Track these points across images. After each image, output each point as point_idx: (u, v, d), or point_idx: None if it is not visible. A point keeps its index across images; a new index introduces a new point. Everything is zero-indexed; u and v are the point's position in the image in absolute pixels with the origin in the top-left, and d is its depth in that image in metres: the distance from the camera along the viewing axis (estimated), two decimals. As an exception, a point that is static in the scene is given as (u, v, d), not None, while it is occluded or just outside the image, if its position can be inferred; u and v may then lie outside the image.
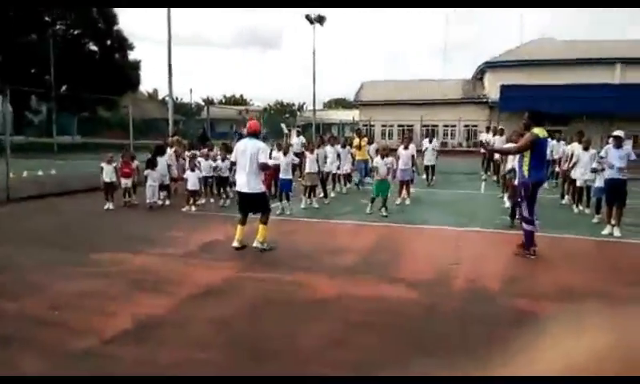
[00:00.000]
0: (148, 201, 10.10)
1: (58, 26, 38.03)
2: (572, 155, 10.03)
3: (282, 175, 9.55)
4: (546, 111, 6.95)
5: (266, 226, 6.80)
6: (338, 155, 12.15)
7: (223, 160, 10.64)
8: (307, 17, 29.71)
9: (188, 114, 44.42)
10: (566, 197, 10.89)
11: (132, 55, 40.53)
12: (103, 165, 10.24)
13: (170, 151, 11.30)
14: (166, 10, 16.84)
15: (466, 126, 38.17)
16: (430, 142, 14.85)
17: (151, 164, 10.13)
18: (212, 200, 10.63)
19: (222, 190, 10.78)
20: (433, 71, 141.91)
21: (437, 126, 34.12)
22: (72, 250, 6.76)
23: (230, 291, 5.16)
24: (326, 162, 11.61)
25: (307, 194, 10.42)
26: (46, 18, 36.59)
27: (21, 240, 7.48)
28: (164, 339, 3.94)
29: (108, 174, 10.14)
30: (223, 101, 67.53)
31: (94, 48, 39.66)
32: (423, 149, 14.77)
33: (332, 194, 12.08)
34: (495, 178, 14.47)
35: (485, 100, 37.80)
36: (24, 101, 34.44)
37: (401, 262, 6.37)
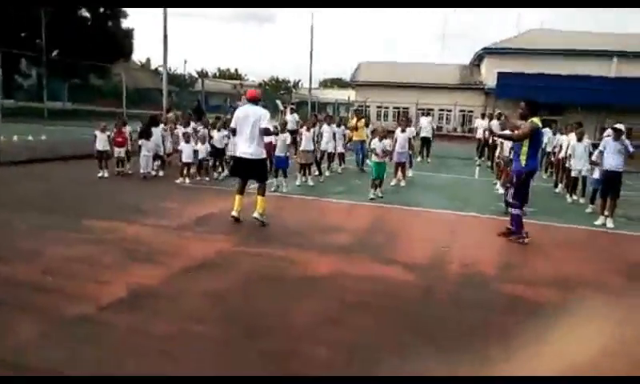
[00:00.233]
0: (142, 171, 10.00)
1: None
2: (568, 146, 10.06)
3: (277, 152, 9.46)
4: (542, 101, 6.97)
5: (264, 197, 6.77)
6: (334, 135, 12.06)
7: (219, 130, 10.49)
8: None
9: (181, 86, 43.75)
10: (560, 186, 10.95)
11: (125, 23, 39.75)
12: (97, 133, 10.08)
13: (166, 126, 11.14)
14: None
15: (461, 111, 38.15)
16: (426, 116, 15.01)
17: (145, 134, 9.99)
18: (207, 178, 10.47)
19: (217, 163, 10.67)
20: (430, 57, 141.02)
21: (432, 109, 33.99)
22: (65, 217, 6.67)
23: (224, 265, 5.13)
24: (320, 141, 11.54)
25: (302, 172, 10.37)
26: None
27: (12, 205, 7.36)
28: (158, 310, 3.90)
29: (101, 142, 9.99)
30: (217, 74, 66.67)
31: (86, 14, 38.80)
32: (419, 127, 14.82)
33: (327, 173, 12.04)
34: (489, 163, 14.51)
35: (481, 86, 37.73)
36: (14, 64, 33.67)
37: (396, 243, 6.38)
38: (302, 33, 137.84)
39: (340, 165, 13.01)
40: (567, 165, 10.05)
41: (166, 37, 15.86)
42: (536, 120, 6.49)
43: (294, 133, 12.15)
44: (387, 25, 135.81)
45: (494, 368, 3.22)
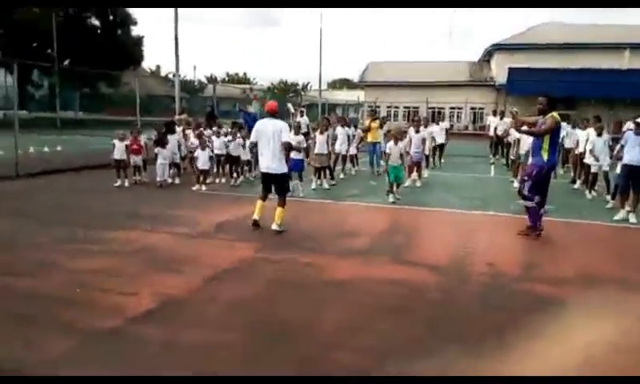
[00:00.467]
0: (158, 179, 10.05)
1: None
2: (586, 140, 9.93)
3: (292, 155, 9.41)
4: (554, 95, 6.93)
5: (284, 208, 6.76)
6: (348, 137, 12.04)
7: (234, 138, 10.53)
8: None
9: (191, 92, 44.06)
10: (578, 182, 10.81)
11: (135, 31, 40.10)
12: (115, 141, 10.15)
13: (179, 130, 11.19)
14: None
15: (472, 108, 37.92)
16: (438, 124, 14.88)
17: (161, 142, 10.05)
18: (223, 180, 10.52)
19: (233, 169, 10.70)
20: (437, 55, 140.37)
21: (443, 108, 33.86)
22: (86, 228, 6.72)
23: (247, 272, 5.13)
24: (334, 144, 11.49)
25: (317, 175, 10.35)
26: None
27: (33, 217, 7.44)
28: (186, 320, 3.91)
29: (119, 151, 10.06)
30: (226, 79, 66.93)
31: (96, 23, 39.21)
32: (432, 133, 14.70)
33: (341, 176, 12.01)
34: (504, 161, 14.40)
35: (492, 83, 37.46)
36: (26, 75, 34.15)
37: (416, 245, 6.34)
38: (308, 35, 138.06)
39: (353, 166, 12.98)
40: (586, 160, 9.91)
41: (177, 43, 15.96)
42: (556, 115, 6.48)
43: (305, 136, 12.14)
44: (392, 24, 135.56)
45: (522, 367, 3.19)
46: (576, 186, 10.84)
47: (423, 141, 11.51)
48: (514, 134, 10.44)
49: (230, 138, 10.61)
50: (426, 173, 12.14)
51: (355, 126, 13.49)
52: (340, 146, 11.72)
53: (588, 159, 9.85)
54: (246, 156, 10.56)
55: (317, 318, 4.02)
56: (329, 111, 32.89)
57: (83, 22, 38.00)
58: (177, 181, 10.66)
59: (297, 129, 10.09)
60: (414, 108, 35.83)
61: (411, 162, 10.89)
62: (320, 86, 32.59)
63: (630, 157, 7.67)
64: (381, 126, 12.75)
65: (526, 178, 6.70)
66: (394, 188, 9.12)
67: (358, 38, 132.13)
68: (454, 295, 4.62)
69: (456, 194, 10.15)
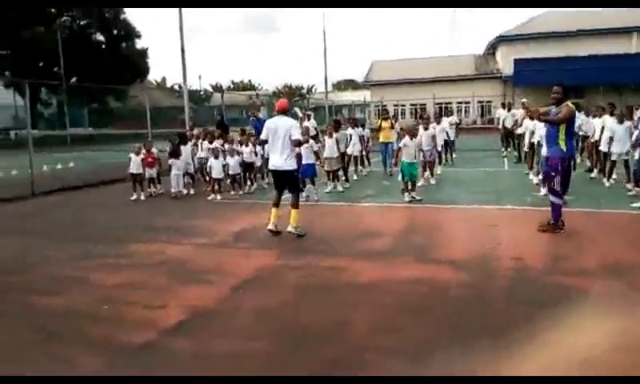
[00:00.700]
0: (173, 190, 10.09)
1: (64, 18, 37.93)
2: (602, 128, 9.80)
3: (304, 160, 9.37)
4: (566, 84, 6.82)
5: (298, 209, 6.75)
6: (360, 138, 12.01)
7: (247, 145, 10.54)
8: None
9: (198, 102, 44.31)
10: (595, 170, 10.68)
11: (139, 44, 40.42)
12: (131, 155, 10.22)
13: (192, 142, 11.24)
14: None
15: (479, 101, 37.71)
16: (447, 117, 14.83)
17: (175, 153, 10.09)
18: (240, 192, 10.50)
19: (247, 176, 10.71)
20: (440, 48, 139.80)
21: (450, 103, 33.69)
22: (105, 242, 6.75)
23: (270, 280, 5.11)
24: (347, 145, 11.44)
25: (331, 179, 10.31)
26: (52, 10, 36.47)
27: (53, 234, 7.50)
28: (216, 331, 3.90)
29: (135, 164, 10.12)
30: (232, 86, 67.26)
31: (100, 38, 39.61)
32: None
33: (354, 177, 11.97)
34: (516, 153, 14.28)
35: (498, 75, 37.25)
36: (35, 94, 34.57)
37: (436, 243, 6.28)
38: (309, 39, 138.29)
39: (364, 167, 12.93)
40: (602, 148, 9.78)
41: (183, 55, 16.04)
42: (570, 104, 6.40)
43: (314, 138, 12.10)
44: (393, 21, 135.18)
45: (559, 363, 3.14)
46: (593, 175, 10.71)
47: (433, 137, 11.41)
48: (528, 125, 10.35)
49: (240, 158, 10.50)
50: (439, 170, 12.06)
51: (363, 126, 13.42)
52: (353, 147, 11.69)
53: (604, 147, 9.73)
54: (259, 162, 10.56)
55: (344, 321, 3.98)
56: (335, 113, 32.89)
57: (88, 37, 38.40)
58: (191, 191, 10.70)
59: (306, 133, 10.06)
60: (420, 105, 35.75)
61: (424, 159, 10.80)
62: (326, 88, 32.61)
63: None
64: (392, 126, 12.69)
65: (553, 173, 6.45)
66: (409, 186, 9.01)
67: (359, 38, 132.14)
68: (482, 292, 4.56)
69: (471, 189, 10.07)
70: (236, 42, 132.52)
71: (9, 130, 35.53)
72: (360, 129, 12.61)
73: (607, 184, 9.62)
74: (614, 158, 9.41)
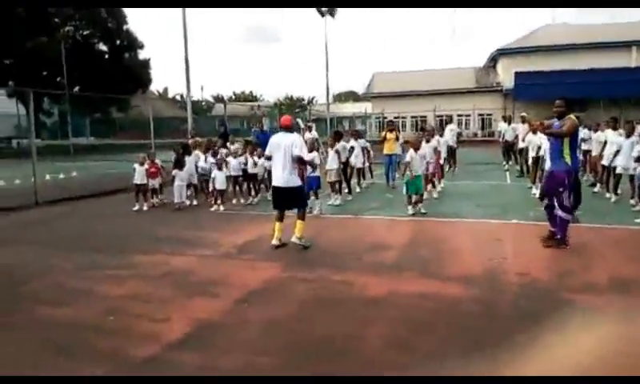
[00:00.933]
0: (176, 201, 10.08)
1: (67, 28, 38.17)
2: (605, 142, 9.82)
3: (309, 173, 9.35)
4: (569, 98, 6.82)
5: (304, 221, 6.74)
6: (363, 149, 12.02)
7: (251, 155, 10.56)
8: (318, 9, 29.46)
9: (199, 112, 44.46)
10: (598, 185, 10.68)
11: (141, 54, 40.62)
12: (136, 166, 10.23)
13: (195, 152, 11.25)
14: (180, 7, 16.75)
15: (480, 114, 37.82)
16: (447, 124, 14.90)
17: (178, 164, 10.10)
18: (242, 200, 10.50)
19: (250, 187, 10.71)
20: (440, 60, 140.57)
21: (451, 115, 33.75)
22: (109, 253, 6.73)
23: (277, 292, 5.08)
24: (348, 157, 11.44)
25: (334, 191, 10.30)
26: (55, 20, 36.71)
27: (56, 244, 7.47)
28: (222, 344, 3.87)
29: (140, 175, 10.12)
30: (233, 97, 67.53)
31: (103, 48, 39.81)
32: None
33: (357, 189, 11.97)
34: (518, 167, 14.30)
35: (499, 88, 37.39)
36: (37, 103, 34.70)
37: (442, 257, 6.26)
38: (310, 50, 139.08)
39: (364, 179, 12.92)
40: (604, 162, 9.79)
41: (187, 65, 16.11)
42: (573, 117, 6.40)
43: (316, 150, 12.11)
44: (394, 34, 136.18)
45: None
46: (596, 190, 10.71)
47: (435, 150, 11.41)
48: (533, 139, 10.37)
49: (243, 159, 10.56)
50: (442, 183, 12.06)
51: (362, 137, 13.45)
52: (355, 159, 11.70)
53: (606, 161, 9.74)
54: (261, 172, 10.56)
55: (355, 336, 3.96)
56: (336, 125, 32.97)
57: (91, 48, 38.60)
58: (194, 202, 10.69)
59: (311, 145, 10.06)
60: (421, 117, 35.84)
61: (426, 172, 10.77)
62: (328, 100, 32.74)
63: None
64: (397, 138, 12.71)
65: (560, 189, 6.36)
66: (413, 199, 8.99)
67: (360, 50, 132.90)
68: (491, 307, 4.53)
69: (475, 203, 10.06)
70: (237, 53, 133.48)
71: (11, 139, 35.65)
72: (363, 141, 12.64)
73: (613, 199, 9.57)
74: (619, 171, 9.39)
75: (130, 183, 10.63)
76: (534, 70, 33.31)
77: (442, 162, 12.44)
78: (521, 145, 13.66)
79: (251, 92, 71.29)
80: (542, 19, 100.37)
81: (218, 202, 9.99)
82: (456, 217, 8.75)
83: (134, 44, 39.69)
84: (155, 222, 9.13)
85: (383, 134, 13.06)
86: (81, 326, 4.29)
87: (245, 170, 10.45)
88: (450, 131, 14.99)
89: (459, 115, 37.49)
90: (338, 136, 11.14)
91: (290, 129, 6.94)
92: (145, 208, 10.16)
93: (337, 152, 10.34)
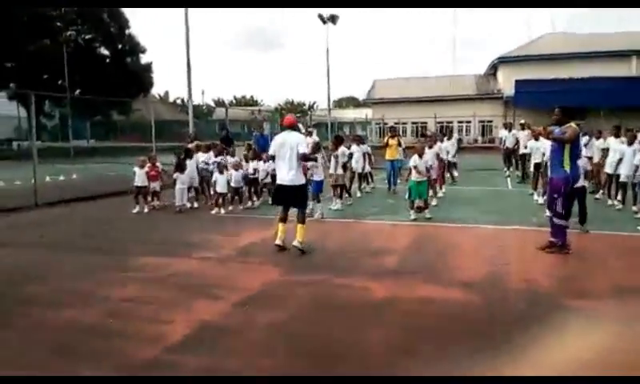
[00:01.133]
0: (177, 203, 10.04)
1: (69, 32, 38.23)
2: (606, 150, 9.81)
3: (314, 178, 9.29)
4: (562, 106, 6.82)
5: (304, 225, 6.71)
6: (364, 155, 12.02)
7: (253, 160, 10.55)
8: (320, 16, 29.55)
9: (200, 116, 44.51)
10: (601, 192, 10.67)
11: (143, 58, 40.68)
12: (136, 168, 10.20)
13: (196, 155, 11.22)
14: (182, 11, 16.79)
15: (480, 121, 37.90)
16: (449, 139, 14.84)
17: (180, 167, 10.08)
18: (240, 206, 10.44)
19: (251, 191, 10.68)
20: (442, 67, 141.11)
21: (451, 122, 33.83)
22: (110, 255, 6.69)
23: (279, 295, 5.04)
24: (347, 162, 11.40)
25: (336, 195, 10.28)
26: (58, 24, 36.79)
27: (56, 246, 7.43)
28: (224, 347, 3.83)
29: (140, 177, 10.10)
30: (234, 102, 67.64)
31: (105, 52, 39.88)
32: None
33: (358, 194, 11.96)
34: (519, 173, 14.31)
35: (499, 95, 37.49)
36: (38, 106, 34.70)
37: (445, 262, 6.22)
38: (311, 56, 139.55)
39: (368, 184, 12.90)
40: (609, 171, 9.78)
41: (189, 70, 16.13)
42: (574, 125, 6.42)
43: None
44: (395, 37, 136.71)
45: None
46: (598, 196, 10.69)
47: (438, 156, 11.41)
48: (535, 145, 10.38)
49: (244, 171, 10.47)
50: (443, 189, 12.04)
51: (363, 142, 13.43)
52: (356, 164, 11.69)
53: (609, 169, 9.73)
54: (262, 175, 10.53)
55: (359, 340, 3.92)
56: (337, 130, 32.98)
57: (93, 51, 38.66)
58: (195, 205, 10.66)
59: (314, 147, 10.03)
60: (422, 123, 35.90)
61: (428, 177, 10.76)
62: (329, 105, 32.77)
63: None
64: (399, 144, 12.71)
65: (555, 195, 6.41)
66: (415, 205, 8.95)
67: (361, 56, 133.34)
68: (495, 313, 4.50)
69: (477, 209, 10.03)
70: (238, 58, 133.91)
71: (12, 141, 35.66)
72: (365, 146, 12.64)
73: (619, 206, 9.53)
74: (622, 179, 9.37)
75: (130, 186, 10.60)
76: (534, 78, 33.41)
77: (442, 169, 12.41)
78: (522, 151, 13.69)
79: (252, 97, 71.45)
80: (543, 28, 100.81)
81: (219, 204, 9.95)
82: (458, 222, 8.72)
83: (135, 48, 39.74)
84: (156, 225, 9.09)
85: (385, 139, 13.06)
86: (81, 328, 4.24)
87: (246, 176, 10.41)
88: (452, 146, 14.91)
89: (460, 122, 37.58)
90: (339, 141, 11.14)
91: (293, 127, 6.93)
92: (145, 210, 10.13)
93: (336, 157, 10.33)
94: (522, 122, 15.47)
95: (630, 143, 9.30)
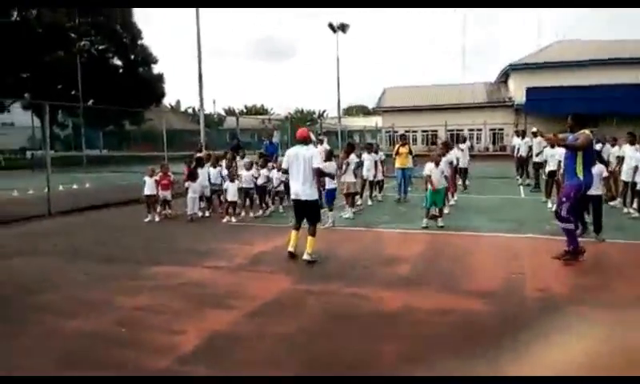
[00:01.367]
0: (189, 212, 10.08)
1: (83, 42, 38.79)
2: (623, 157, 9.68)
3: (327, 186, 9.29)
4: (586, 113, 6.77)
5: (314, 237, 6.67)
6: (375, 163, 11.99)
7: (264, 168, 10.57)
8: (330, 25, 29.71)
9: (211, 125, 44.81)
10: (618, 199, 10.51)
11: (155, 68, 41.11)
12: (145, 178, 10.28)
13: (208, 165, 11.29)
14: (194, 21, 16.96)
15: (491, 129, 37.69)
16: (464, 142, 14.75)
17: (192, 176, 10.12)
18: (251, 214, 10.46)
19: (262, 200, 10.69)
20: (451, 75, 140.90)
21: (462, 130, 33.71)
22: (122, 264, 6.72)
23: (291, 305, 5.01)
24: (355, 169, 11.37)
25: (348, 203, 10.25)
26: (72, 35, 37.36)
27: (68, 254, 7.47)
28: (237, 357, 3.80)
29: (150, 186, 10.16)
30: (244, 111, 68.02)
31: (118, 62, 40.41)
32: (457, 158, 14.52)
33: (369, 202, 11.91)
34: (532, 181, 14.17)
35: (510, 103, 37.29)
36: (52, 115, 35.18)
37: (458, 271, 6.15)
38: (321, 64, 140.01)
39: (379, 192, 12.85)
40: (625, 178, 9.65)
41: (201, 80, 16.25)
42: (588, 132, 6.35)
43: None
44: (404, 45, 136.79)
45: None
46: (612, 204, 10.54)
47: (450, 164, 11.34)
48: (551, 153, 10.28)
49: (254, 172, 10.52)
50: (455, 196, 11.95)
51: (376, 151, 13.39)
52: (367, 172, 11.66)
53: (625, 176, 9.60)
54: (275, 183, 10.54)
55: (372, 351, 3.87)
56: (347, 138, 32.99)
57: (106, 62, 39.18)
58: (207, 213, 10.70)
59: (327, 156, 10.01)
60: (432, 131, 35.78)
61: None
62: (339, 113, 32.86)
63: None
64: (410, 152, 12.66)
65: (564, 199, 6.36)
66: (430, 213, 8.89)
67: (371, 64, 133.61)
68: (511, 323, 4.42)
69: (489, 217, 9.94)
70: (249, 67, 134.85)
71: (26, 150, 36.14)
72: (375, 154, 12.59)
73: (635, 214, 9.39)
74: (639, 187, 9.23)
75: (141, 194, 10.67)
76: (545, 86, 33.19)
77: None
78: (535, 159, 13.58)
79: (262, 105, 71.78)
80: (553, 35, 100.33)
81: (230, 212, 9.96)
82: (471, 230, 8.64)
83: (148, 58, 40.18)
84: (168, 234, 9.11)
85: (396, 147, 13.02)
86: (93, 336, 4.24)
87: (256, 180, 10.44)
88: (464, 151, 14.82)
89: (470, 130, 37.38)
90: (350, 148, 11.13)
91: (306, 141, 6.91)
92: (157, 219, 10.18)
93: (347, 164, 10.32)
94: (534, 129, 15.32)
95: None
